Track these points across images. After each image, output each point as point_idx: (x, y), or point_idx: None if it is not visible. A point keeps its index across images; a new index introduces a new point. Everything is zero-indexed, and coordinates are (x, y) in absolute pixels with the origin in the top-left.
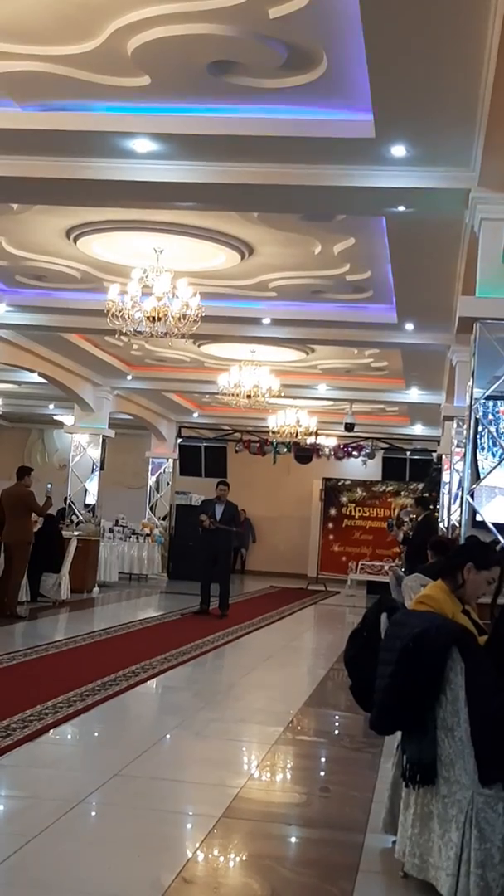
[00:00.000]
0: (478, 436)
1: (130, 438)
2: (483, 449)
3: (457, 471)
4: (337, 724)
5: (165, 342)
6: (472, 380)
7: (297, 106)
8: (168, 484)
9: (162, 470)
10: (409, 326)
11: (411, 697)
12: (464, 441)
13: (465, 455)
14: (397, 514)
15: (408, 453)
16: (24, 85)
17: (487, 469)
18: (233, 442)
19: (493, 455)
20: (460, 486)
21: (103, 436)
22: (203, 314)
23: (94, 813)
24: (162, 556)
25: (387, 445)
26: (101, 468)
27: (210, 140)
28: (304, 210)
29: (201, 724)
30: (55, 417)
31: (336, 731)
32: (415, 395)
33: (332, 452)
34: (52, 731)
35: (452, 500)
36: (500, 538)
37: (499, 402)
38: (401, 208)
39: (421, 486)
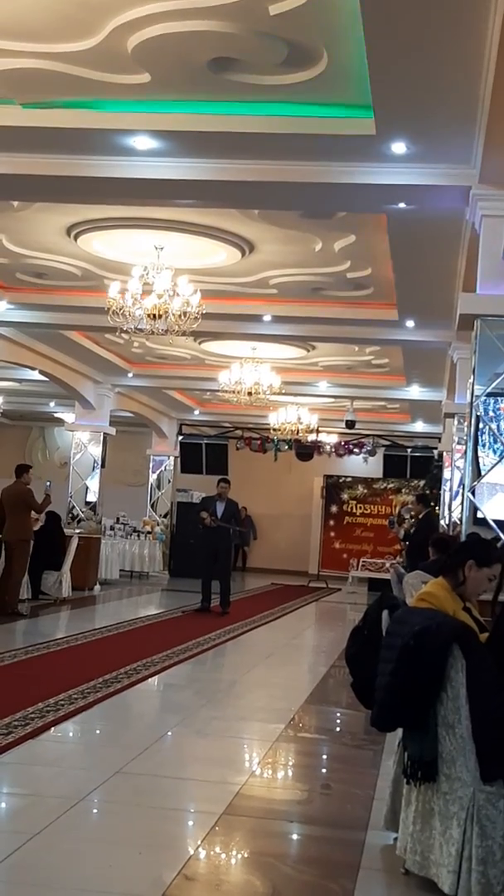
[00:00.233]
0: (479, 433)
1: (131, 436)
2: (484, 446)
3: (458, 468)
4: (338, 721)
5: (166, 339)
6: (472, 377)
7: (298, 103)
8: (169, 481)
9: (163, 467)
10: (410, 323)
11: (412, 695)
12: (465, 438)
13: (465, 452)
14: (398, 511)
15: (409, 450)
16: (24, 82)
17: (488, 466)
18: (234, 439)
19: (494, 452)
20: (461, 483)
21: (104, 433)
22: (204, 311)
23: (95, 810)
24: (163, 554)
25: (388, 442)
26: (102, 466)
27: (210, 137)
28: (304, 207)
29: (203, 721)
30: (56, 415)
31: (337, 729)
32: (416, 392)
33: (333, 449)
34: (53, 728)
35: (453, 497)
36: (501, 535)
37: (500, 398)
38: (401, 205)
39: (422, 483)
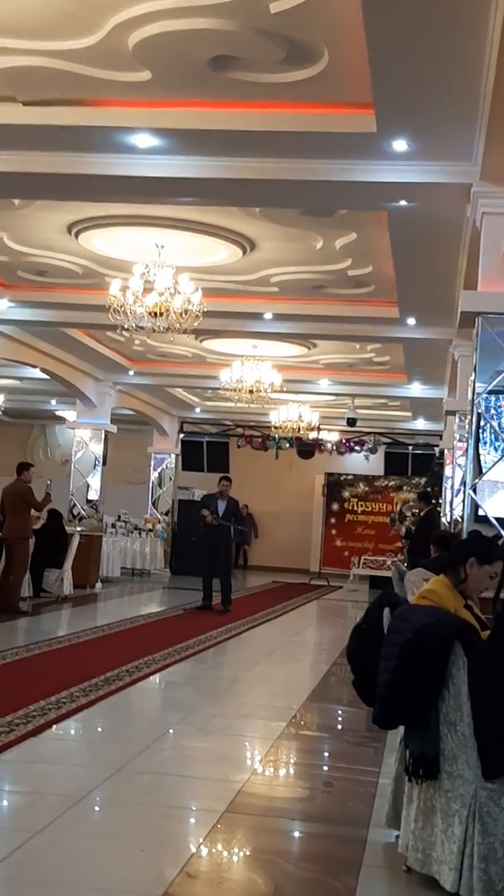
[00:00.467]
0: (480, 430)
1: (132, 434)
2: (485, 443)
3: (459, 465)
4: (340, 718)
5: (167, 337)
6: (474, 374)
7: (299, 101)
8: (170, 479)
9: (164, 465)
10: (411, 321)
11: (414, 692)
12: (466, 436)
13: (467, 450)
14: (399, 508)
15: (410, 448)
16: (25, 80)
17: (489, 464)
18: (235, 437)
19: (496, 449)
20: (463, 480)
21: (105, 431)
22: (205, 309)
23: (97, 808)
24: (164, 552)
25: (389, 440)
26: (104, 463)
27: (211, 135)
28: (305, 205)
29: (204, 719)
30: (57, 413)
31: (339, 726)
32: (417, 389)
33: (335, 447)
34: (55, 726)
35: (455, 495)
36: (503, 532)
37: (501, 396)
38: (402, 203)
39: (423, 480)
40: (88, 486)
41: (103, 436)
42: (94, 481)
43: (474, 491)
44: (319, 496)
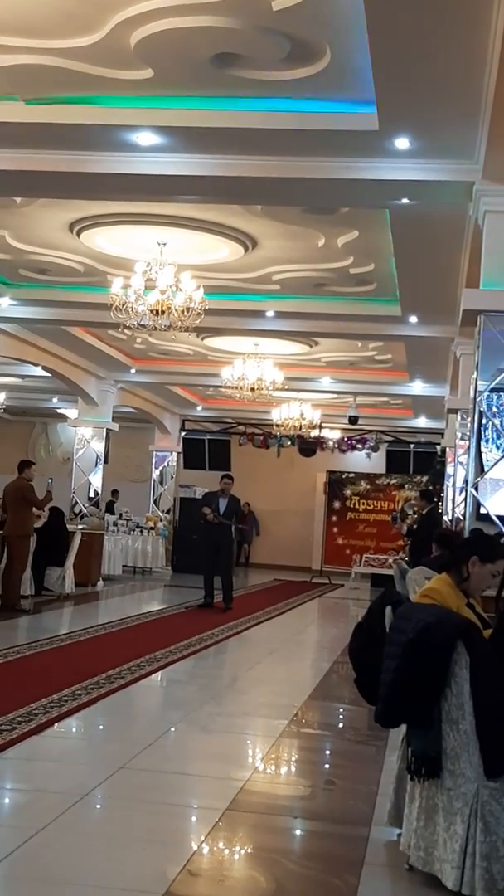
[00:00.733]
0: (482, 428)
1: (134, 432)
2: (487, 441)
3: (461, 464)
4: (341, 717)
5: (169, 335)
6: (476, 372)
7: (301, 98)
8: (172, 477)
9: (166, 463)
10: (413, 319)
11: (416, 691)
12: (468, 434)
13: (469, 448)
14: (401, 507)
15: (412, 446)
16: (26, 78)
17: (491, 462)
18: (236, 435)
19: (497, 448)
20: (465, 479)
21: (107, 429)
22: (206, 307)
23: (99, 806)
24: (166, 550)
25: (391, 438)
26: (105, 462)
27: (213, 133)
28: (307, 203)
29: (206, 717)
30: (59, 411)
31: (341, 725)
32: (419, 387)
33: (336, 445)
34: (57, 724)
35: (457, 493)
36: None
37: (502, 394)
38: (404, 201)
39: (425, 478)
40: (90, 484)
41: (105, 434)
42: (96, 479)
43: (476, 489)
44: (321, 494)
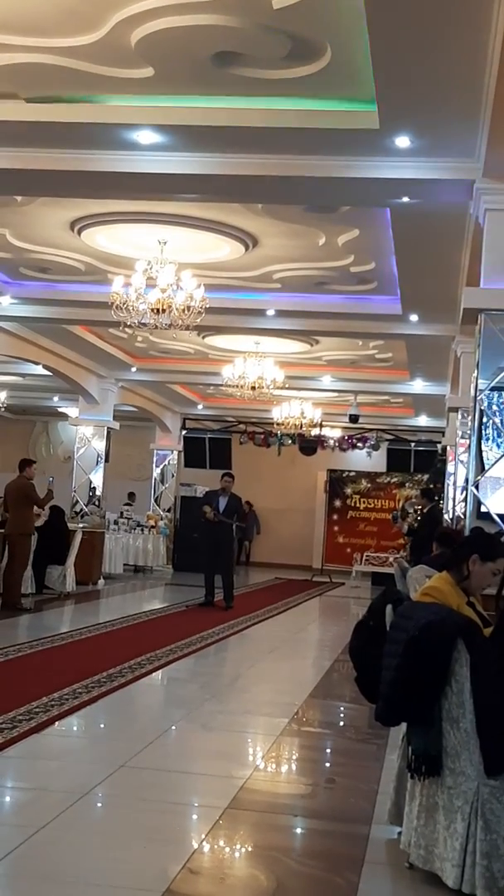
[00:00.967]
0: (482, 427)
1: (135, 430)
2: (488, 440)
3: (461, 462)
4: (342, 715)
5: (169, 334)
6: (476, 371)
7: (301, 97)
8: (173, 476)
9: (166, 462)
10: (414, 318)
11: (417, 689)
12: (468, 432)
13: (469, 446)
14: (402, 505)
15: (412, 444)
16: (27, 77)
17: (492, 460)
18: (237, 434)
19: (498, 446)
20: (465, 477)
21: (108, 428)
22: (207, 306)
23: (100, 804)
24: (167, 548)
25: (391, 437)
26: (106, 460)
27: (214, 131)
28: (308, 201)
29: (207, 715)
30: (60, 409)
31: (341, 723)
32: (419, 386)
33: (337, 444)
34: (58, 722)
35: (458, 492)
36: None
37: (503, 392)
38: (405, 199)
39: (426, 477)
40: (91, 482)
41: (106, 432)
42: (97, 478)
43: (477, 487)
44: (322, 493)
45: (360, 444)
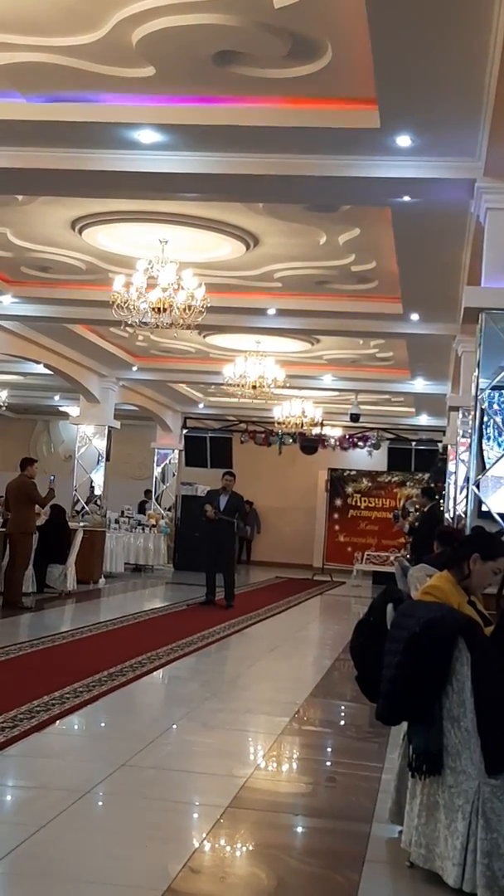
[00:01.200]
0: (483, 426)
1: (136, 429)
2: (489, 439)
3: (462, 461)
4: (343, 714)
5: (170, 333)
6: (477, 370)
7: (302, 96)
8: (174, 475)
9: (167, 461)
10: (415, 317)
11: (417, 687)
12: (469, 431)
13: (470, 445)
14: (403, 504)
15: (413, 444)
16: (28, 76)
17: (493, 459)
18: (238, 433)
19: (499, 445)
20: (466, 476)
21: (109, 427)
22: (208, 305)
23: (101, 803)
24: (167, 547)
25: (392, 436)
26: (107, 459)
27: (215, 130)
28: (309, 200)
29: (208, 714)
30: (61, 409)
31: (342, 721)
32: (420, 385)
33: (338, 443)
34: (59, 721)
35: (458, 491)
36: None
37: None
38: (406, 198)
39: (427, 476)
40: (92, 481)
41: (106, 431)
42: (98, 477)
43: (477, 487)
44: (322, 492)
45: (360, 443)
